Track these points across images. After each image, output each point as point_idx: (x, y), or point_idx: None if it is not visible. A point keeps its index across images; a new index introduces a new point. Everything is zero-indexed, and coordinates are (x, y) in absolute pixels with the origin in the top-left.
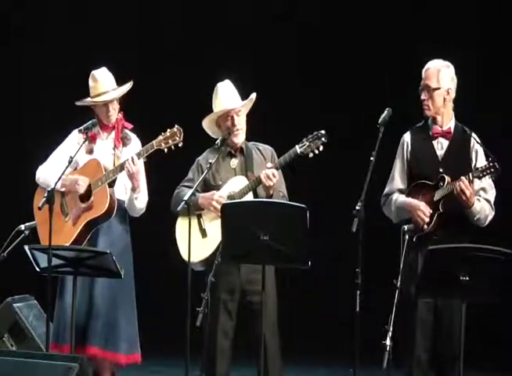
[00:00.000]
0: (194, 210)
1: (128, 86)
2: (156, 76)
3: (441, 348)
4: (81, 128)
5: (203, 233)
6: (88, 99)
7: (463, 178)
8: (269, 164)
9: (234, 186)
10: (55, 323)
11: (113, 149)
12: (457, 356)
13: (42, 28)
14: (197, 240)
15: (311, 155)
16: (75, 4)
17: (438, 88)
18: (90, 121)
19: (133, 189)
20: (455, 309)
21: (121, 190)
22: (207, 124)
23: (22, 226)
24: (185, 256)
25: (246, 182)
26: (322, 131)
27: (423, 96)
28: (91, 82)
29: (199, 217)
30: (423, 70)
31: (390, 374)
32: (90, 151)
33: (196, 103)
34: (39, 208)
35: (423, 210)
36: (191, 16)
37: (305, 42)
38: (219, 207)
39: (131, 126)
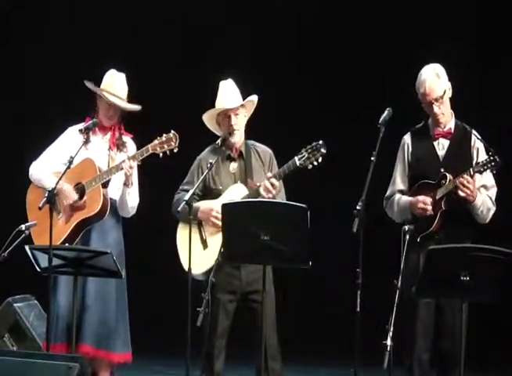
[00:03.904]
0: (194, 221)
1: (135, 107)
2: (156, 76)
3: (442, 348)
4: (82, 128)
5: (205, 245)
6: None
7: (464, 175)
8: (269, 174)
9: (234, 194)
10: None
11: (108, 150)
12: (458, 355)
13: (42, 28)
14: (198, 252)
15: (310, 167)
16: (75, 4)
17: (445, 92)
18: (91, 121)
19: (126, 185)
20: (456, 309)
21: (115, 190)
22: (208, 120)
23: (22, 226)
24: (186, 267)
25: (246, 191)
26: (321, 142)
27: (436, 110)
28: (108, 77)
29: (200, 227)
30: (421, 85)
31: (391, 374)
32: (86, 145)
33: (196, 104)
34: (39, 208)
35: (422, 200)
36: (191, 16)
37: (305, 42)
38: (219, 223)
39: (131, 136)
